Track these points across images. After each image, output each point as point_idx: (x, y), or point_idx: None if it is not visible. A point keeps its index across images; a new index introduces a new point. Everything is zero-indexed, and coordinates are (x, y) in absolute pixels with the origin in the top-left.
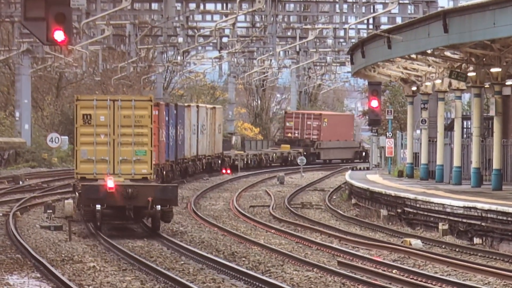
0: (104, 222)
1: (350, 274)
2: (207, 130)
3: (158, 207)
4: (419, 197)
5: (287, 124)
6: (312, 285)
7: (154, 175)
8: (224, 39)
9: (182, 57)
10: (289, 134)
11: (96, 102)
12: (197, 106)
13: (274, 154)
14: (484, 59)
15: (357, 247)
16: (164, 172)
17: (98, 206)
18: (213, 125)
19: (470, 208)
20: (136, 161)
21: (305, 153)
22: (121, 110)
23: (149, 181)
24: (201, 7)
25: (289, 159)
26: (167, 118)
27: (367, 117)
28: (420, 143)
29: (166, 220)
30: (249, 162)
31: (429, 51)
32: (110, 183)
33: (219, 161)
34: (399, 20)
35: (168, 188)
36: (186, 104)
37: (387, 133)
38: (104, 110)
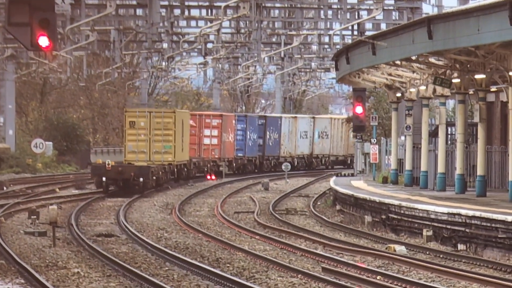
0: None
1: (335, 280)
2: (331, 136)
3: (141, 179)
4: (404, 203)
5: None
6: None
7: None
8: (209, 45)
9: (166, 63)
10: None
11: (138, 113)
12: (313, 117)
13: None
14: (468, 66)
15: (342, 253)
16: (234, 164)
17: (103, 178)
18: (347, 132)
19: (454, 214)
20: (164, 152)
21: None
22: (154, 118)
23: (133, 162)
24: (186, 13)
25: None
26: (243, 125)
27: (351, 123)
28: (405, 150)
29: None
30: None
31: (413, 58)
32: (108, 164)
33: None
34: (383, 27)
35: (143, 167)
36: (291, 116)
37: (371, 140)
38: (143, 118)
